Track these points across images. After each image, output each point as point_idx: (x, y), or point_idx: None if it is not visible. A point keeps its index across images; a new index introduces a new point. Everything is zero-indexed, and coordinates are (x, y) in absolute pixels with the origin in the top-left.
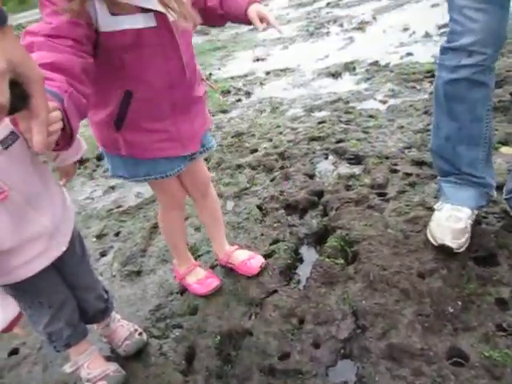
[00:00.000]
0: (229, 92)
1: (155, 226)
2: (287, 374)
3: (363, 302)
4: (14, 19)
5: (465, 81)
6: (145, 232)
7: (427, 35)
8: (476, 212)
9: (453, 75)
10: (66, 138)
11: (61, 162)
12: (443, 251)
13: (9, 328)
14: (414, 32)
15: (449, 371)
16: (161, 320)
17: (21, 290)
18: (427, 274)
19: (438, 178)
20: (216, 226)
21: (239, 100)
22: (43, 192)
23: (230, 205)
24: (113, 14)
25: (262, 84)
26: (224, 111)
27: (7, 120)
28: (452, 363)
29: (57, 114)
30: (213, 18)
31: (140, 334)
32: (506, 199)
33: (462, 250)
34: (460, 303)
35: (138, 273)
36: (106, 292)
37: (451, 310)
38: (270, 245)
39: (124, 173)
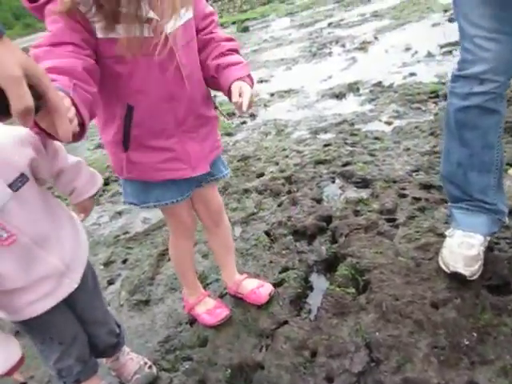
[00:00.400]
0: (234, 114)
1: (163, 254)
2: None
3: (377, 333)
4: (19, 43)
5: (476, 108)
6: (152, 259)
7: (429, 55)
8: (488, 239)
9: (464, 102)
10: (79, 127)
11: (77, 198)
12: (456, 279)
13: (9, 373)
14: (416, 52)
15: None
16: (170, 352)
17: (32, 327)
18: (441, 304)
19: (449, 203)
20: (227, 255)
21: (244, 122)
22: (53, 231)
23: (238, 231)
24: (109, 22)
25: (266, 106)
26: (229, 134)
27: (15, 162)
28: None
29: (68, 102)
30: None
31: (150, 367)
32: None
33: (475, 277)
34: (475, 335)
35: (147, 302)
36: (119, 326)
37: (467, 343)
38: (280, 273)
39: (134, 199)
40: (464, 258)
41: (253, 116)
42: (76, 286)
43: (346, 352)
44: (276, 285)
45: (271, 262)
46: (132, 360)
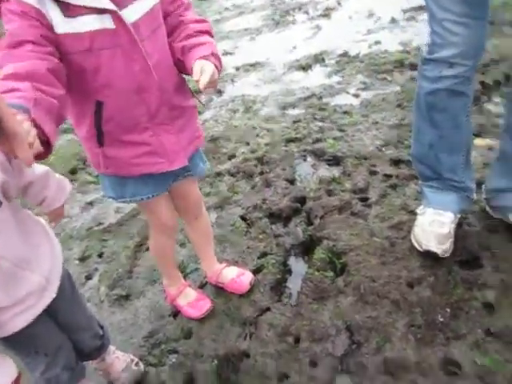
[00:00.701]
0: (200, 92)
1: (139, 245)
2: None
3: (356, 316)
4: None
5: (446, 91)
6: (129, 251)
7: (393, 21)
8: (458, 216)
9: (434, 85)
10: (44, 145)
11: (49, 207)
12: (429, 257)
13: None
14: (379, 18)
15: (444, 383)
16: (156, 346)
17: (16, 342)
18: (415, 283)
19: (420, 182)
20: (207, 245)
21: (210, 100)
22: (32, 251)
23: (213, 216)
24: (66, 16)
25: (233, 81)
26: None
27: None
28: (446, 373)
29: (27, 125)
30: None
31: (137, 364)
32: (485, 199)
33: (446, 255)
34: (449, 310)
35: (127, 296)
36: (102, 328)
37: (441, 319)
38: (258, 258)
39: (112, 193)
40: (436, 236)
41: (220, 92)
42: (54, 295)
43: (328, 336)
44: (255, 271)
45: (249, 247)
46: (118, 359)
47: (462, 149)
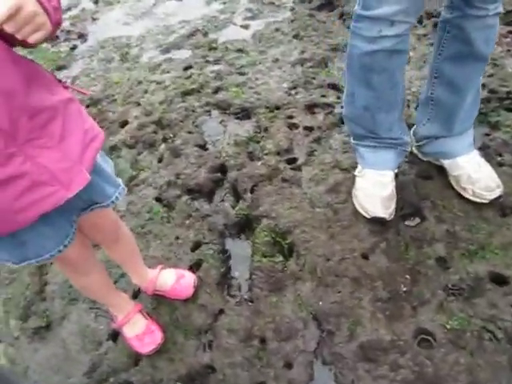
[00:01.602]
0: (57, 37)
1: None
2: None
3: (320, 303)
4: None
5: (386, 51)
6: (31, 267)
7: None
8: (396, 171)
9: (372, 46)
10: None
11: None
12: (375, 221)
13: None
14: None
15: (423, 357)
16: (103, 382)
17: None
18: (370, 253)
19: (353, 141)
20: (134, 261)
21: (74, 48)
22: None
23: (123, 204)
24: None
25: (94, 19)
26: (61, 67)
27: None
28: (422, 346)
29: None
30: None
31: None
32: (417, 147)
33: (392, 217)
34: (409, 277)
35: (47, 326)
36: None
37: (404, 288)
38: (193, 251)
39: (9, 257)
40: (381, 200)
41: (82, 37)
42: None
43: (296, 331)
44: (194, 267)
45: (178, 238)
46: None
47: (398, 106)
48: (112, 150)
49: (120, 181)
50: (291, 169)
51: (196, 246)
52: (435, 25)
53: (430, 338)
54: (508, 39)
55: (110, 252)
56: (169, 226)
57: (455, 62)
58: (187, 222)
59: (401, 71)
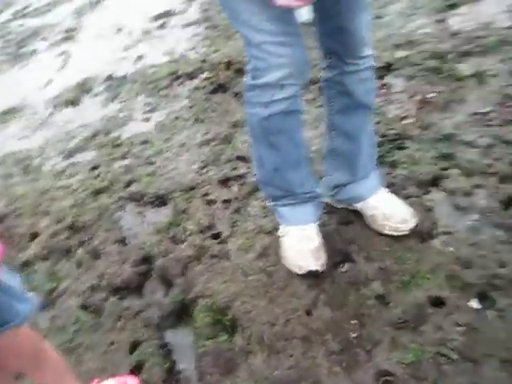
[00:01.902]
0: None
1: None
2: None
3: (275, 372)
4: None
5: (280, 114)
6: None
7: (146, 32)
8: (318, 223)
9: (267, 111)
10: None
11: None
12: (309, 274)
13: None
14: (130, 31)
15: None
16: None
17: None
18: (312, 308)
19: (271, 203)
20: (66, 380)
21: None
22: None
23: (45, 320)
24: None
25: None
26: None
27: None
28: None
29: None
30: None
31: None
32: (330, 196)
33: (324, 267)
34: (355, 321)
35: None
36: None
37: (354, 335)
38: (131, 353)
39: None
40: (311, 253)
41: None
42: None
43: None
44: (135, 370)
45: (111, 343)
46: None
47: (304, 162)
48: (24, 266)
49: (31, 294)
50: (218, 243)
51: (133, 347)
52: (320, 88)
53: (391, 378)
54: (383, 90)
55: (34, 380)
56: (99, 333)
57: (345, 114)
58: (119, 323)
59: (299, 130)
